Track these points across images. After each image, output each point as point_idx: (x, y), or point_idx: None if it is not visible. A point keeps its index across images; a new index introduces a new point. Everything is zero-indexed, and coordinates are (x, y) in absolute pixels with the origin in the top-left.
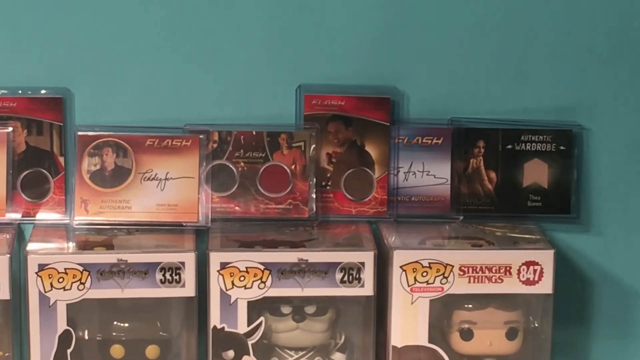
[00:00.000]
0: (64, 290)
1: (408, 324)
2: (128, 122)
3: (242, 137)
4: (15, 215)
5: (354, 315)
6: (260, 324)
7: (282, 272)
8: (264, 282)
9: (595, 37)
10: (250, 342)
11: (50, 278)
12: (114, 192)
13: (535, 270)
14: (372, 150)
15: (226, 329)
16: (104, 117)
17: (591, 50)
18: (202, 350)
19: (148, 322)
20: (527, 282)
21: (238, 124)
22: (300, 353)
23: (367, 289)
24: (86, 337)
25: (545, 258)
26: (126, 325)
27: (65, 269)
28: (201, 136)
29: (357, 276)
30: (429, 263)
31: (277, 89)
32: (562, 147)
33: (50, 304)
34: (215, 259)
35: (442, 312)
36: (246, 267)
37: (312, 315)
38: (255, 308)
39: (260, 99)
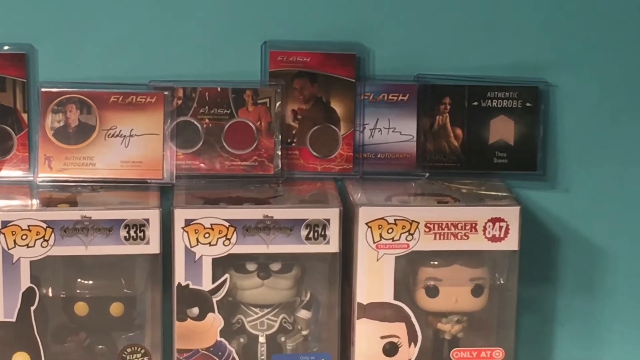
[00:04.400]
0: (28, 247)
1: (373, 280)
2: (92, 78)
3: (207, 93)
4: None
5: (320, 273)
6: (225, 281)
7: (247, 229)
8: (229, 239)
9: None
10: (215, 299)
11: (13, 235)
12: (77, 148)
13: (501, 227)
14: (337, 107)
15: (191, 286)
16: (67, 74)
17: (558, 7)
18: (166, 307)
19: (112, 279)
20: (493, 239)
21: (203, 81)
22: (266, 310)
23: (333, 245)
24: (50, 295)
25: (511, 215)
26: (90, 282)
27: (28, 226)
28: (166, 93)
29: (323, 233)
30: (395, 220)
31: (242, 45)
32: (528, 104)
33: (14, 261)
34: (180, 215)
35: (408, 269)
36: (211, 224)
37: (277, 272)
38: (220, 265)
39: (226, 55)
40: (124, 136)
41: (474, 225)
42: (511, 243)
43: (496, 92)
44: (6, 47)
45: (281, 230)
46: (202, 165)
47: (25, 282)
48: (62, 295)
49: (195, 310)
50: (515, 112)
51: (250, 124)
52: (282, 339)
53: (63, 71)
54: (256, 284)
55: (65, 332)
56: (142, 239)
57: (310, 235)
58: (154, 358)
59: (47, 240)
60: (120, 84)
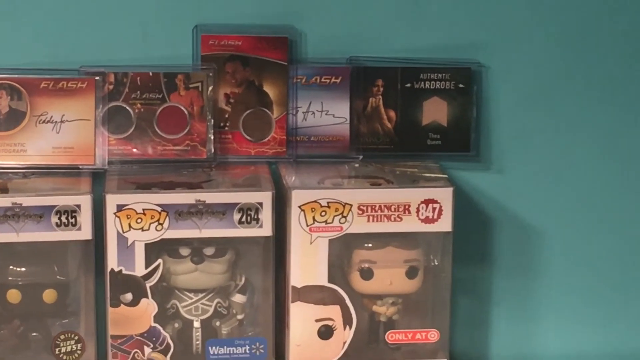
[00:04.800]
0: None
1: (307, 264)
2: (22, 64)
3: (138, 78)
4: None
5: (254, 256)
6: (158, 266)
7: (179, 213)
8: (162, 224)
9: None
10: (148, 285)
11: None
12: (8, 135)
13: (434, 209)
14: (270, 90)
15: (124, 272)
16: None
17: None
18: (100, 293)
19: (44, 266)
20: (427, 220)
21: (134, 65)
22: (200, 295)
23: (266, 229)
24: None
25: (444, 196)
26: (22, 269)
27: None
28: (97, 78)
29: (255, 217)
30: (328, 202)
31: (173, 29)
32: (461, 85)
33: None
34: (112, 201)
35: (342, 251)
36: (143, 209)
37: (211, 256)
38: (154, 250)
39: (157, 40)
40: (55, 122)
41: (407, 207)
42: (445, 224)
43: (429, 74)
44: None
45: (214, 215)
46: (134, 150)
47: None
48: None
49: (129, 296)
50: (448, 94)
51: (183, 108)
52: (217, 323)
53: None
54: (190, 268)
55: None
56: (74, 225)
57: (243, 219)
58: (88, 344)
59: None
60: (51, 70)
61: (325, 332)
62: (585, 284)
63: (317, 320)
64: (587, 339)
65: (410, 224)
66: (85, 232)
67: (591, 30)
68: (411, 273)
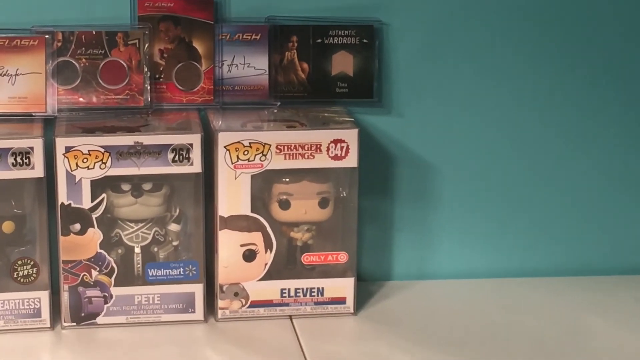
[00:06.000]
0: None
1: (233, 196)
2: None
3: (83, 36)
4: None
5: (186, 191)
6: (102, 200)
7: (120, 153)
8: (105, 163)
9: None
10: (94, 216)
11: None
12: None
13: (342, 147)
14: (199, 46)
15: (72, 205)
16: None
17: None
18: (52, 224)
19: (3, 201)
20: (336, 158)
21: (79, 25)
22: (140, 224)
23: (196, 167)
24: None
25: (351, 136)
26: None
27: None
28: (47, 36)
29: (187, 156)
30: (250, 143)
31: None
32: (364, 40)
33: None
34: (61, 143)
35: (263, 185)
36: (88, 150)
37: (148, 191)
38: (99, 186)
39: (99, 2)
40: (11, 75)
41: (318, 146)
42: (351, 161)
43: (337, 31)
44: None
45: (150, 155)
46: (80, 99)
47: None
48: None
49: (77, 226)
50: (354, 48)
51: (122, 62)
52: (155, 249)
53: None
54: (130, 201)
55: None
56: (28, 164)
57: (176, 158)
58: (43, 269)
59: None
60: (6, 29)
61: (249, 256)
62: (473, 212)
63: (241, 245)
64: (475, 259)
65: (322, 161)
66: (38, 170)
67: None
68: (323, 203)
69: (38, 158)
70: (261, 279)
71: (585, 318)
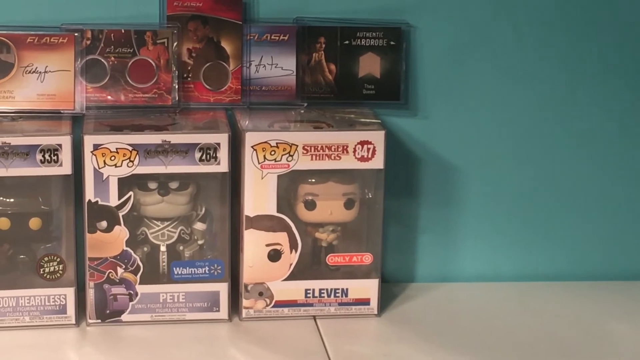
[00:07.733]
0: None
1: (259, 196)
2: (11, 22)
3: (112, 34)
4: None
5: (212, 190)
6: (129, 197)
7: (148, 152)
8: (132, 161)
9: None
10: (121, 214)
11: None
12: None
13: (369, 149)
14: (227, 45)
15: (100, 203)
16: None
17: None
18: (79, 221)
19: (31, 197)
20: (362, 159)
21: (109, 24)
22: (166, 223)
23: (223, 166)
24: None
25: (378, 138)
26: (11, 200)
27: None
28: (76, 34)
29: (214, 155)
30: (277, 143)
31: None
32: (392, 42)
33: None
34: (89, 141)
35: (289, 185)
36: (116, 148)
37: (175, 189)
38: (125, 184)
39: (128, 1)
40: (40, 72)
41: (345, 147)
42: (377, 162)
43: (364, 33)
44: None
45: (178, 153)
46: (108, 97)
47: None
48: None
49: (104, 224)
50: (381, 50)
51: (151, 61)
52: (181, 248)
53: None
54: (157, 200)
55: None
56: (56, 161)
57: (204, 157)
58: (69, 265)
59: None
60: (36, 27)
61: (274, 255)
62: (497, 215)
63: (267, 245)
64: (499, 262)
65: (348, 162)
66: (65, 167)
67: None
68: (349, 204)
69: (66, 155)
70: (286, 279)
71: (611, 323)
